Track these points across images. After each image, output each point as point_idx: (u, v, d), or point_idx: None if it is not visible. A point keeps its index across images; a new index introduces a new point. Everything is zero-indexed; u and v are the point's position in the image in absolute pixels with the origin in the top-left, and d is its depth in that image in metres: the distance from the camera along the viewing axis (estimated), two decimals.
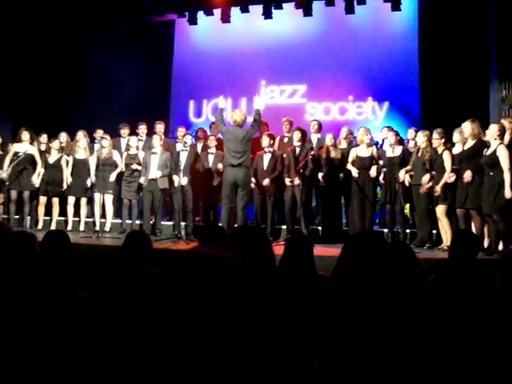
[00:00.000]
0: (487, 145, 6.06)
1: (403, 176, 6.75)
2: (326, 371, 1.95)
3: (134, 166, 8.01)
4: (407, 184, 6.86)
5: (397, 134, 7.26)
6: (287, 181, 7.16)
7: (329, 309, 2.09)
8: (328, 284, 2.34)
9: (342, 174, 7.26)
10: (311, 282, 2.63)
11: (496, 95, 8.13)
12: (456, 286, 2.92)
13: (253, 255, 2.28)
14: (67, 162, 8.21)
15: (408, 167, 6.82)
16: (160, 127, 8.44)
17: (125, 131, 8.57)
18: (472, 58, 8.60)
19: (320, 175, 7.24)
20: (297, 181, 7.02)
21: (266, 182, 7.38)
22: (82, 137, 8.29)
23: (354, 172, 7.06)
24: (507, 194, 5.64)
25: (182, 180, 7.47)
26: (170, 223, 8.10)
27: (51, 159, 8.21)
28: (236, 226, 6.82)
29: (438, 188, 6.32)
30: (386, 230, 7.19)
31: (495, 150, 5.78)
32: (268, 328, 1.61)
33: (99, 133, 8.60)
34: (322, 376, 1.97)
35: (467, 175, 6.07)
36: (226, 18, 9.97)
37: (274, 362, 1.56)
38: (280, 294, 2.23)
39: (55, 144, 8.24)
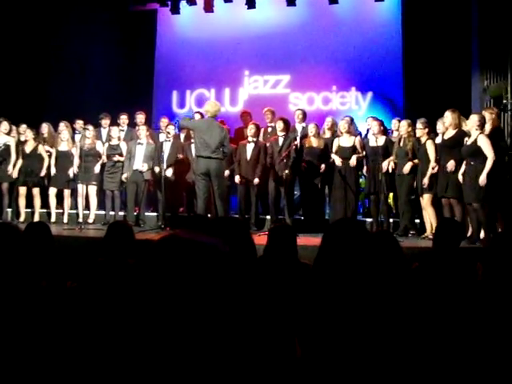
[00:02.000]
0: (467, 134, 6.11)
1: (386, 166, 6.78)
2: (309, 358, 1.96)
3: (116, 158, 7.93)
4: (390, 171, 6.87)
5: (381, 123, 7.28)
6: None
7: (311, 296, 2.09)
8: (310, 272, 2.35)
9: (323, 165, 7.25)
10: (294, 271, 2.63)
11: (478, 86, 8.20)
12: (439, 273, 2.95)
13: (232, 245, 2.28)
14: (50, 154, 8.09)
15: (391, 157, 6.85)
16: (141, 117, 8.37)
17: (106, 121, 8.46)
18: (454, 48, 8.64)
19: (303, 164, 7.23)
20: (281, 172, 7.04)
21: (256, 181, 7.38)
22: (64, 128, 8.15)
23: (338, 161, 7.06)
24: (482, 180, 5.68)
25: (166, 171, 7.43)
26: (154, 214, 8.06)
27: (28, 148, 8.04)
28: (210, 216, 6.87)
29: (426, 180, 6.36)
30: (369, 220, 7.24)
31: (476, 140, 5.82)
32: (251, 314, 1.60)
33: (79, 123, 8.47)
34: (305, 362, 1.97)
35: (450, 165, 6.12)
36: (209, 8, 9.89)
37: (257, 348, 1.55)
38: (263, 282, 2.23)
39: (30, 133, 8.07)
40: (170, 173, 7.58)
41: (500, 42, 7.65)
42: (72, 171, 7.95)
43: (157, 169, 7.64)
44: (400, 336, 1.94)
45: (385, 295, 2.07)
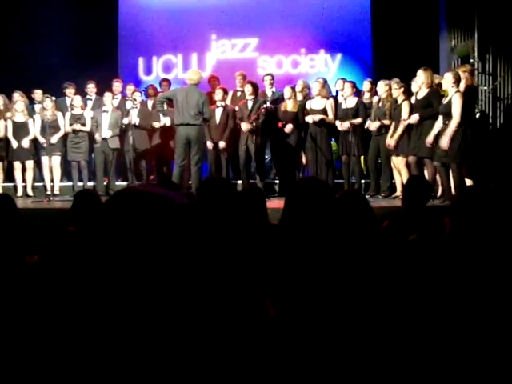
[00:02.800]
0: (440, 93, 6.11)
1: (347, 127, 6.77)
2: (282, 319, 1.96)
3: (78, 127, 7.68)
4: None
5: (353, 85, 7.25)
6: (243, 126, 7.12)
7: (280, 257, 2.08)
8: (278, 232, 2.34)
9: (289, 125, 7.12)
10: (264, 232, 2.62)
11: (446, 45, 8.21)
12: (408, 229, 2.98)
13: (220, 206, 2.27)
14: (6, 126, 7.75)
15: (355, 120, 6.83)
16: (117, 85, 8.22)
17: (70, 90, 8.22)
18: (422, 8, 8.60)
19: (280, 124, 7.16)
20: (245, 126, 7.05)
21: (221, 144, 7.34)
22: (18, 98, 7.84)
23: (310, 119, 7.02)
24: (443, 142, 5.68)
25: (131, 138, 7.31)
26: (125, 183, 7.94)
27: None
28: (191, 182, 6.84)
29: (393, 141, 6.38)
30: (341, 181, 7.27)
31: (451, 99, 5.82)
32: (218, 274, 1.57)
33: (37, 93, 8.17)
34: (278, 323, 1.98)
35: (414, 118, 6.13)
36: None
37: (227, 309, 1.54)
38: (233, 243, 2.21)
39: None
40: (136, 120, 7.59)
41: (467, 1, 7.64)
42: (27, 141, 7.68)
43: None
44: (370, 292, 1.95)
45: (354, 253, 2.08)
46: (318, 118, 6.97)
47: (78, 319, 0.99)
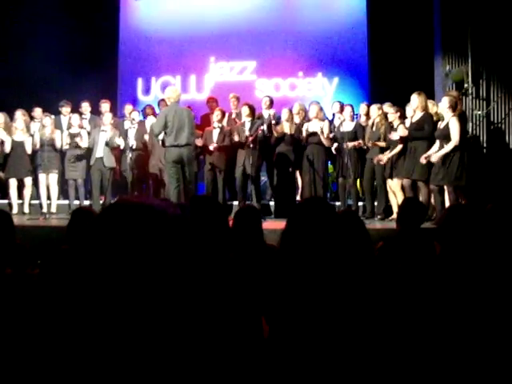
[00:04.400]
0: (434, 117, 6.21)
1: (351, 146, 6.82)
2: (276, 337, 1.96)
3: (78, 139, 7.69)
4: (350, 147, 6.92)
5: (353, 108, 7.36)
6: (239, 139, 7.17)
7: (277, 277, 2.09)
8: (276, 253, 2.35)
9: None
10: (259, 252, 2.64)
11: (440, 70, 8.32)
12: (401, 251, 3.00)
13: (209, 224, 2.28)
14: (2, 142, 7.77)
15: (356, 141, 6.92)
16: (105, 106, 8.17)
17: (66, 109, 8.26)
18: (418, 33, 8.75)
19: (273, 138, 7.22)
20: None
21: (213, 145, 7.33)
22: (19, 116, 7.90)
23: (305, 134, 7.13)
24: (434, 158, 5.80)
25: (129, 158, 7.32)
26: None
27: None
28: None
29: (384, 157, 6.44)
30: (338, 204, 7.31)
31: (448, 123, 5.92)
32: (213, 291, 1.59)
33: (37, 111, 8.22)
34: (272, 342, 1.98)
35: (400, 130, 6.22)
36: None
37: (222, 326, 1.55)
38: (228, 263, 2.22)
39: None
40: (134, 143, 7.55)
41: (461, 27, 7.77)
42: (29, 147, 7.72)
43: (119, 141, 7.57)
44: (364, 313, 1.96)
45: (348, 274, 2.09)
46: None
47: (71, 335, 1.00)
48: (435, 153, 5.92)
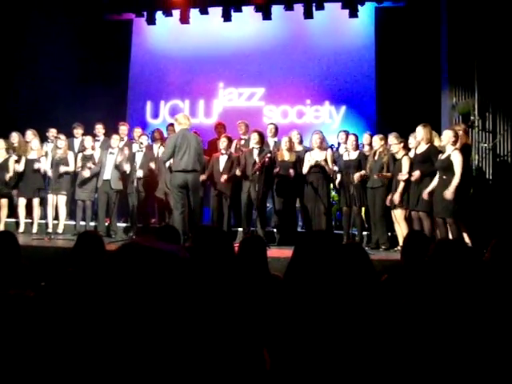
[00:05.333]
0: (439, 149, 6.25)
1: (358, 177, 6.86)
2: (279, 370, 1.95)
3: (89, 165, 7.78)
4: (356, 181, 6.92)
5: (357, 138, 7.39)
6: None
7: (282, 308, 2.09)
8: (280, 283, 2.35)
9: (291, 170, 7.19)
10: (264, 282, 2.64)
11: (447, 102, 8.39)
12: (406, 284, 2.99)
13: (214, 255, 2.27)
14: (18, 162, 7.91)
15: (362, 172, 6.94)
16: (123, 129, 8.30)
17: (78, 131, 8.38)
18: (425, 65, 8.86)
19: (275, 170, 7.21)
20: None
21: (223, 177, 7.37)
22: (32, 136, 8.02)
23: (306, 169, 7.16)
24: (448, 194, 5.80)
25: (137, 172, 7.39)
26: (125, 225, 7.97)
27: None
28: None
29: (397, 197, 6.46)
30: (342, 232, 7.30)
31: (449, 155, 5.96)
32: (216, 323, 1.59)
33: (52, 132, 8.34)
34: (275, 374, 1.97)
35: (415, 175, 6.25)
36: (185, 19, 9.91)
37: (224, 359, 1.55)
38: (231, 292, 2.22)
39: (2, 144, 7.93)
40: (140, 173, 7.56)
41: (468, 60, 7.86)
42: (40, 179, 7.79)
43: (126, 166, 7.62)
44: (369, 346, 1.95)
45: (353, 306, 2.09)
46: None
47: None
48: (437, 188, 5.95)
